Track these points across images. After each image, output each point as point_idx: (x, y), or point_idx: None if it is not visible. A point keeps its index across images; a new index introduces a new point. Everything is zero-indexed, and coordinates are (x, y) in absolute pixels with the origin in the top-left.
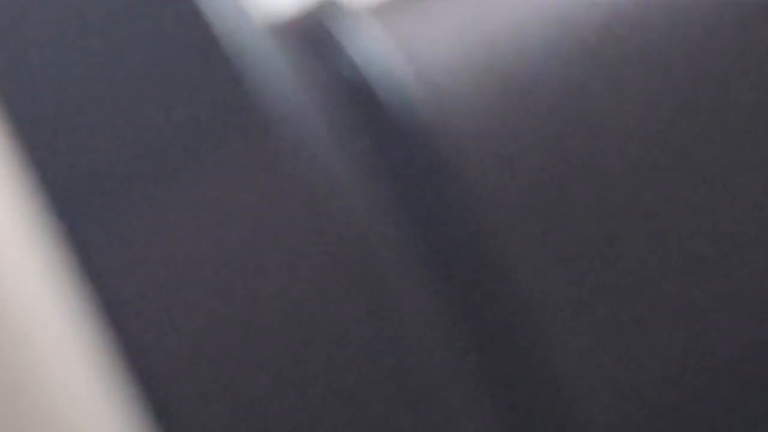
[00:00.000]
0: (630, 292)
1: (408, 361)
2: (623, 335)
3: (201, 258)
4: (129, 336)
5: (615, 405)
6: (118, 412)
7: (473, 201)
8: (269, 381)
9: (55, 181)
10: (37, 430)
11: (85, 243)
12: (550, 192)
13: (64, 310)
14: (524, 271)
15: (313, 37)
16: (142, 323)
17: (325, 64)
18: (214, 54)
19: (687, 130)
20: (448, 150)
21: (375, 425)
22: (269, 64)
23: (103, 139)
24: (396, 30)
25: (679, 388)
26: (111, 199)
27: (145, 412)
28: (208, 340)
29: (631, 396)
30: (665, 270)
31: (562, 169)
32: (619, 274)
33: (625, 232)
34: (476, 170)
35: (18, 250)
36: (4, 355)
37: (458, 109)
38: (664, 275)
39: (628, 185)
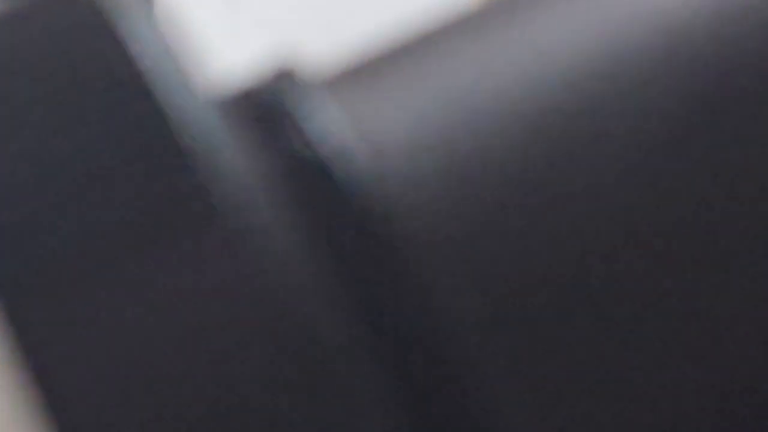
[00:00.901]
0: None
1: None
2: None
3: (148, 349)
4: (72, 426)
5: None
6: None
7: (423, 283)
8: None
9: (3, 269)
10: None
11: (30, 331)
12: (500, 275)
13: (6, 399)
14: (474, 355)
15: (266, 113)
16: (86, 413)
17: (278, 140)
18: (163, 139)
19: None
20: (400, 231)
21: None
22: (220, 147)
23: (49, 229)
24: (351, 104)
25: None
26: (57, 287)
27: None
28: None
29: None
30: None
31: (513, 253)
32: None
33: (576, 323)
34: (427, 252)
35: None
36: None
37: (412, 189)
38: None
39: (581, 275)
